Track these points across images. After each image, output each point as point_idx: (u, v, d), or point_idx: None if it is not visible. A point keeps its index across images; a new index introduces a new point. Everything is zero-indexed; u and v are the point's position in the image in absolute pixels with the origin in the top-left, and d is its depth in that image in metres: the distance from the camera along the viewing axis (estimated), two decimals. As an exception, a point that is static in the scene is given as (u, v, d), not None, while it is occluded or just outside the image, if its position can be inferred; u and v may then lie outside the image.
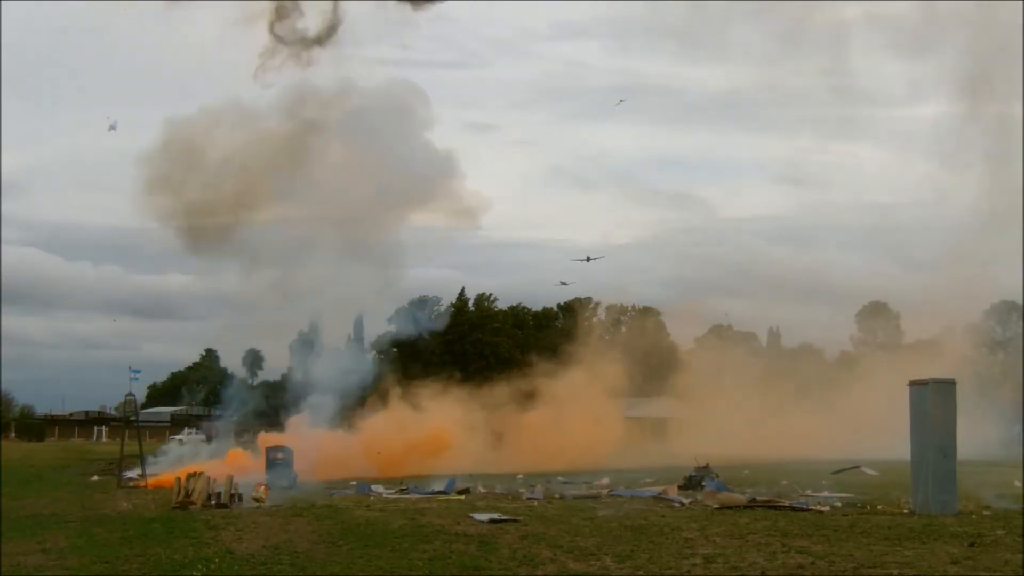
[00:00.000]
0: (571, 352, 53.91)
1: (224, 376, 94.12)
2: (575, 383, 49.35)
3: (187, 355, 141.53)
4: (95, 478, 32.26)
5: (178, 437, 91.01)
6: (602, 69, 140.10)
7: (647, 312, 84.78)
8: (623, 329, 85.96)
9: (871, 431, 48.32)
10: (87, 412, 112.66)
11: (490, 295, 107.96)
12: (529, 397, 49.46)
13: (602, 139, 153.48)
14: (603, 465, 37.21)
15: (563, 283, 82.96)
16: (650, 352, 63.46)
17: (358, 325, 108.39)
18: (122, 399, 33.17)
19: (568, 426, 45.55)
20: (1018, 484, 26.02)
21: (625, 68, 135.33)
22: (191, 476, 22.33)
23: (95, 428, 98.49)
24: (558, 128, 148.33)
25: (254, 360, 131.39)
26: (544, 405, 48.40)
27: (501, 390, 48.92)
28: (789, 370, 65.33)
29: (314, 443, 33.99)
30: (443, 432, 40.39)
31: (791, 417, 56.77)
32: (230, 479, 22.58)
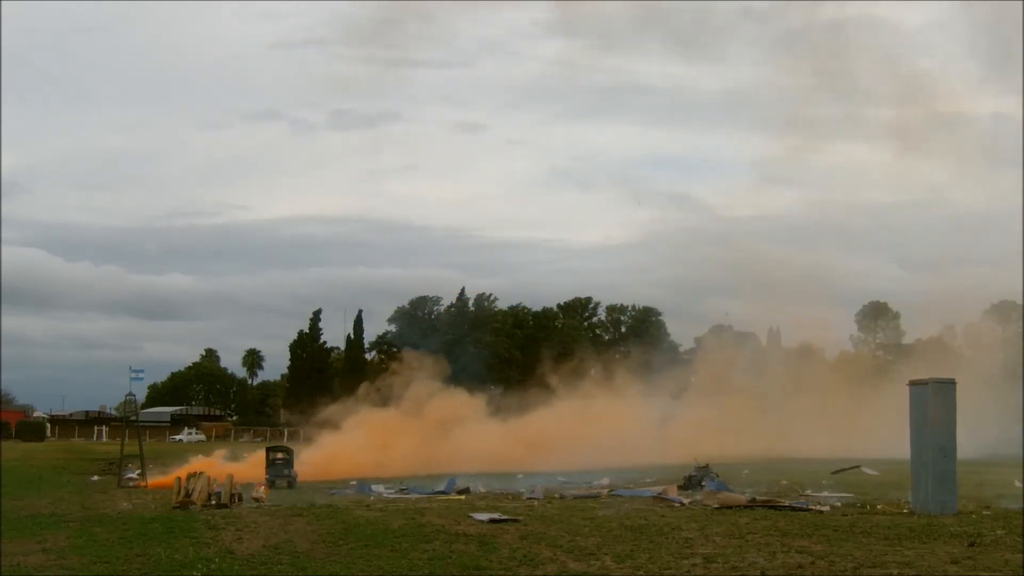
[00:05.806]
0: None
1: None
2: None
3: (187, 355, 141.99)
4: (95, 478, 32.26)
5: (178, 437, 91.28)
6: (595, 68, 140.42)
7: (647, 312, 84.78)
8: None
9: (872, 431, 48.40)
10: (87, 412, 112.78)
11: (490, 295, 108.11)
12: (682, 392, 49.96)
13: (600, 139, 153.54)
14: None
15: None
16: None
17: (358, 324, 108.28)
18: (122, 399, 33.15)
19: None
20: (1018, 484, 26.01)
21: (621, 67, 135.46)
22: (191, 476, 22.33)
23: (95, 428, 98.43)
24: (553, 128, 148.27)
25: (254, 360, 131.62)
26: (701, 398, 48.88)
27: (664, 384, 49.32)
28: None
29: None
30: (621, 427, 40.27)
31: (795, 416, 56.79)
32: (230, 479, 22.58)
